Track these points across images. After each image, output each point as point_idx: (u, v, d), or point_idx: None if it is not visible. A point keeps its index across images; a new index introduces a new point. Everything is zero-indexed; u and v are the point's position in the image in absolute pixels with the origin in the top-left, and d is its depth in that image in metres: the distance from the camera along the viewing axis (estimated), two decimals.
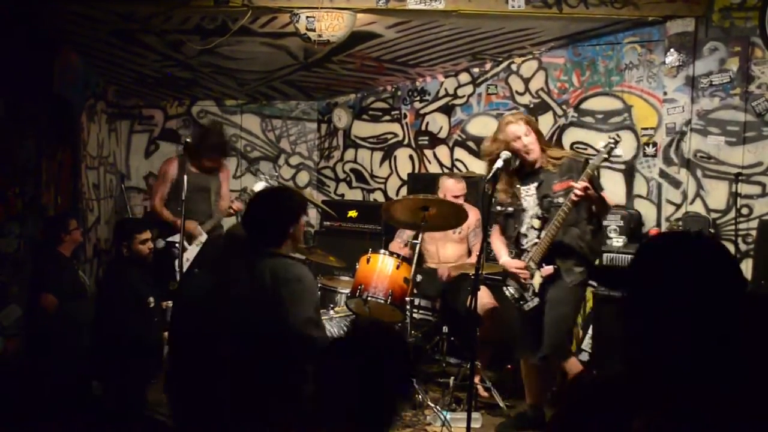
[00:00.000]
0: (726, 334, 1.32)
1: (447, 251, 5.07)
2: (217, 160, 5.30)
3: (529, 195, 3.81)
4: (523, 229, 3.82)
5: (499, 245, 3.98)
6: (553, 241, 3.65)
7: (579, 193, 3.48)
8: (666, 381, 1.31)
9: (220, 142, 5.34)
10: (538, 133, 3.80)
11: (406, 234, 5.12)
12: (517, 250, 3.87)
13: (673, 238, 1.62)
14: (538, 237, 3.74)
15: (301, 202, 2.97)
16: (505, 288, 3.95)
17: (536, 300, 3.77)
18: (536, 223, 3.76)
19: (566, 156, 3.82)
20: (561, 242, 3.68)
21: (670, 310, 1.33)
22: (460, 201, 4.81)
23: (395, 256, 4.51)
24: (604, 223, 4.95)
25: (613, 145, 3.54)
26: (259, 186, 5.30)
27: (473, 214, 4.88)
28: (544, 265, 3.70)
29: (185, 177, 4.90)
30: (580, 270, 3.73)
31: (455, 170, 6.16)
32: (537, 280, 3.75)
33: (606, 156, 3.56)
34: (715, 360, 1.30)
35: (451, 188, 4.85)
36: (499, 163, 3.58)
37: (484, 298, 4.59)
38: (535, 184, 3.79)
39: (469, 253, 5.06)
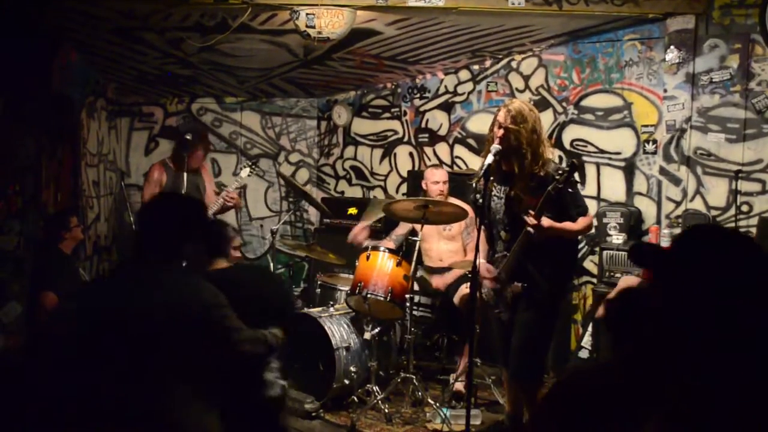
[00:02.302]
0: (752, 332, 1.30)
1: (441, 248, 5.07)
2: (204, 154, 5.43)
3: (498, 197, 3.51)
4: (494, 232, 3.59)
5: (482, 243, 3.61)
6: (519, 258, 3.40)
7: (530, 230, 3.22)
8: (681, 376, 1.29)
9: (203, 138, 5.53)
10: (529, 132, 3.36)
11: (395, 233, 5.16)
12: (492, 253, 3.65)
13: (717, 231, 1.59)
14: (506, 250, 3.49)
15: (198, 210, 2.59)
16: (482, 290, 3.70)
17: (508, 314, 3.54)
18: (503, 235, 3.51)
19: (546, 169, 3.36)
20: (523, 263, 3.42)
21: (698, 299, 1.31)
22: (440, 188, 4.88)
23: (394, 253, 4.53)
24: (604, 220, 4.97)
25: (568, 173, 3.16)
26: (244, 173, 5.36)
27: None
28: (514, 282, 3.47)
29: (184, 176, 4.92)
30: (537, 294, 3.42)
31: (455, 167, 6.17)
32: (509, 295, 3.52)
33: (560, 186, 3.15)
34: (737, 356, 1.28)
35: (428, 175, 4.98)
36: (489, 159, 3.32)
37: (465, 289, 4.59)
38: (507, 189, 3.46)
39: (465, 250, 5.04)
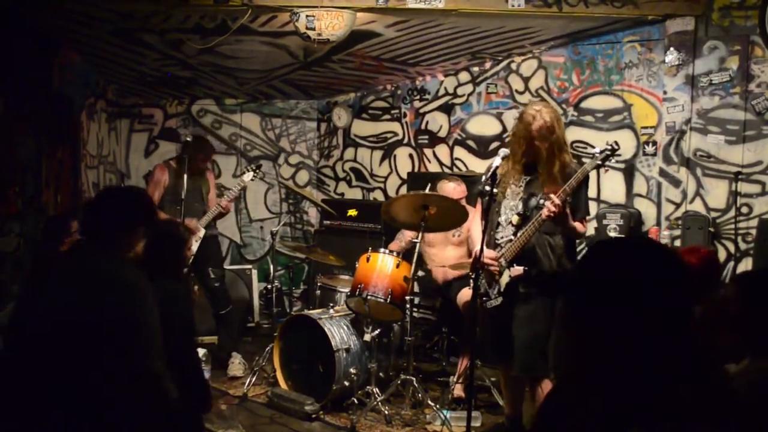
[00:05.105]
0: (669, 338, 1.32)
1: (447, 254, 5.02)
2: (206, 158, 5.43)
3: (517, 185, 3.58)
4: (501, 219, 3.59)
5: (477, 232, 3.73)
6: (527, 244, 3.45)
7: (552, 209, 3.26)
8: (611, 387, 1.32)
9: (206, 143, 5.55)
10: (561, 135, 3.51)
11: (406, 238, 5.10)
12: (491, 240, 3.61)
13: (617, 243, 1.65)
14: (514, 235, 3.50)
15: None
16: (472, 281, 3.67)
17: (500, 299, 3.54)
18: (515, 219, 3.52)
19: (571, 165, 3.48)
20: (531, 247, 3.47)
21: (610, 313, 1.35)
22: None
23: (395, 254, 4.51)
24: (604, 222, 4.97)
25: (609, 153, 3.29)
26: (247, 177, 5.35)
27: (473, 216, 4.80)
28: (515, 265, 3.48)
29: (185, 177, 4.92)
30: (539, 280, 3.46)
31: (455, 169, 6.16)
32: (504, 279, 3.51)
33: (599, 163, 3.31)
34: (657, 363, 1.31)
35: (451, 193, 4.74)
36: (497, 161, 3.37)
37: (468, 291, 4.57)
38: (528, 178, 3.55)
39: (470, 255, 4.98)
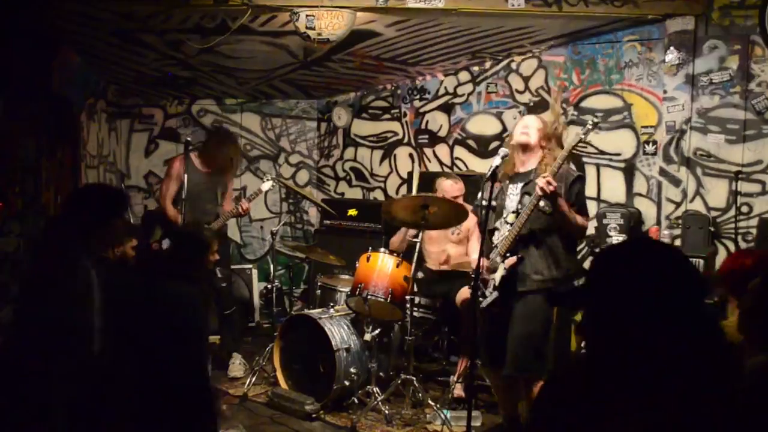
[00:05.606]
0: (689, 333, 1.33)
1: (448, 252, 5.01)
2: (229, 158, 5.27)
3: (513, 194, 3.62)
4: (498, 224, 3.62)
5: (474, 243, 3.77)
6: (519, 233, 3.45)
7: (542, 186, 3.29)
8: (634, 382, 1.33)
9: (233, 142, 5.44)
10: (548, 138, 3.60)
11: (404, 233, 5.11)
12: (489, 247, 3.63)
13: (626, 246, 1.67)
14: (509, 231, 3.54)
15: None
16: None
17: (495, 294, 3.53)
18: (510, 217, 3.54)
19: (564, 164, 3.50)
20: (526, 245, 3.49)
21: (630, 316, 1.35)
22: (459, 201, 4.80)
23: (395, 254, 4.51)
24: (604, 221, 4.97)
25: (590, 127, 3.37)
26: (265, 186, 5.27)
27: (472, 218, 4.80)
28: (508, 255, 3.49)
29: (185, 177, 4.89)
30: (538, 279, 3.48)
31: (455, 169, 6.16)
32: (499, 273, 3.52)
33: (582, 137, 3.37)
34: (681, 358, 1.31)
35: (448, 190, 4.80)
36: (496, 161, 3.41)
37: (465, 292, 4.57)
38: (522, 184, 3.60)
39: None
